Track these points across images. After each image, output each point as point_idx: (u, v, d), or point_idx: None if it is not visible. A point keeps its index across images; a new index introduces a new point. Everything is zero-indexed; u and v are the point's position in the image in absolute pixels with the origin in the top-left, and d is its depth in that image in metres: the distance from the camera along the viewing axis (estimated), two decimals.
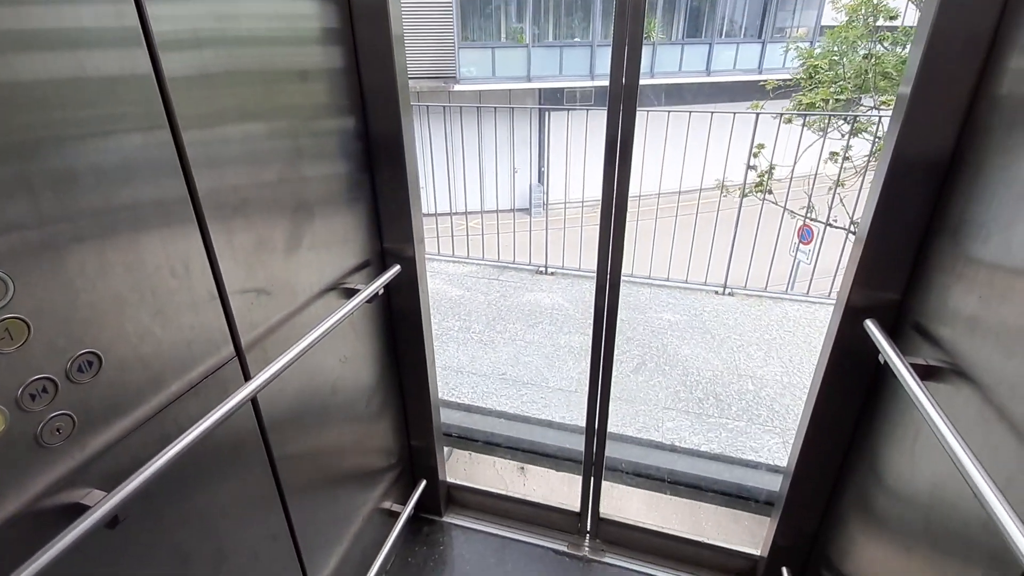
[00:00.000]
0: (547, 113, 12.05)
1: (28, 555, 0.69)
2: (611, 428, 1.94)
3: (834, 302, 1.41)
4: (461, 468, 2.36)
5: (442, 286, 5.09)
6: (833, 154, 6.07)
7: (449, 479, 2.21)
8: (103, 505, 0.78)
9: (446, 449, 2.32)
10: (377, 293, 1.53)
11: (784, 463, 1.88)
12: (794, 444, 1.61)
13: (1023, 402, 0.85)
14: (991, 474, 0.83)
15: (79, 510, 0.78)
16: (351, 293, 1.47)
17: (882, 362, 1.18)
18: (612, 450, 2.28)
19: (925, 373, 1.12)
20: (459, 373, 3.76)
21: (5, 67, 0.65)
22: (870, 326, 1.26)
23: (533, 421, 2.90)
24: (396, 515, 1.96)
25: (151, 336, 0.88)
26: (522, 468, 2.37)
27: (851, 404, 1.44)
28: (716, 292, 4.94)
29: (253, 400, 1.13)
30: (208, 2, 0.92)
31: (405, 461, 2.03)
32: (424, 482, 2.08)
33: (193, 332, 0.96)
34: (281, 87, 1.12)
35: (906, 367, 1.08)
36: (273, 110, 1.10)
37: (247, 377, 1.09)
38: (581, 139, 5.25)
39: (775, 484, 2.13)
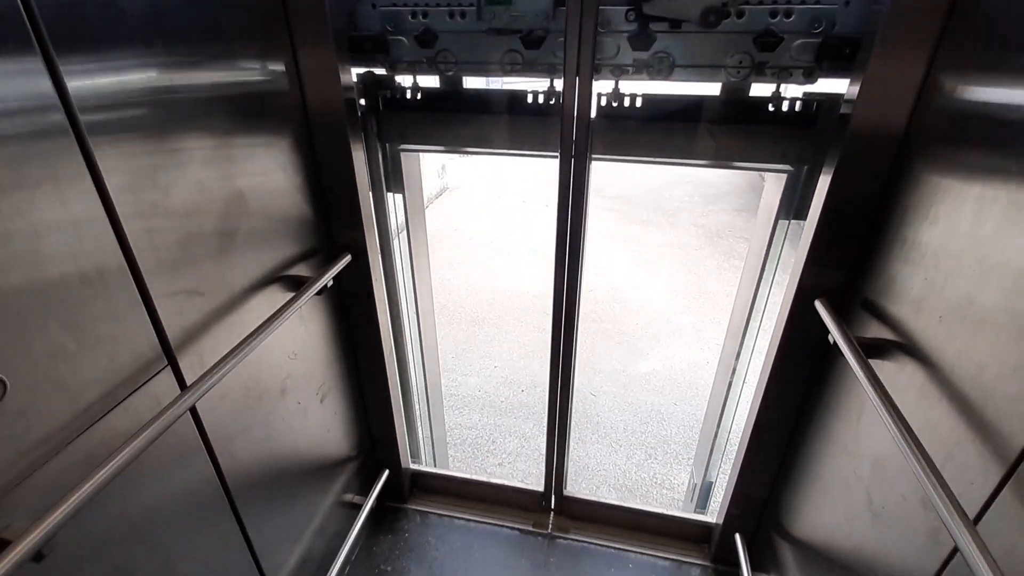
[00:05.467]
0: None
1: None
2: None
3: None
4: (425, 452, 2.34)
5: None
6: None
7: (413, 466, 2.19)
8: (25, 540, 0.72)
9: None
10: (327, 285, 1.45)
11: None
12: (747, 419, 1.65)
13: (961, 382, 0.88)
14: (930, 450, 0.86)
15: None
16: (298, 284, 1.39)
17: (831, 342, 1.20)
18: None
19: (871, 350, 1.15)
20: None
21: None
22: (819, 306, 1.28)
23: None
24: (359, 506, 1.93)
25: (64, 352, 0.80)
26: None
27: (801, 382, 1.48)
28: None
29: (192, 410, 1.06)
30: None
31: (366, 451, 1.99)
32: (387, 471, 2.06)
33: (115, 344, 0.88)
34: (201, 46, 1.02)
35: (852, 346, 1.10)
36: (189, 74, 1.00)
37: (183, 386, 1.02)
38: None
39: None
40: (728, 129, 1.40)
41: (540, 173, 9.22)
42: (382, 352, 1.78)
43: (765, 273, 1.64)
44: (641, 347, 4.52)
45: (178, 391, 1.01)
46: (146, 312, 0.93)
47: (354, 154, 1.44)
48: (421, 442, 2.34)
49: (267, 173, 1.24)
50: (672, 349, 4.50)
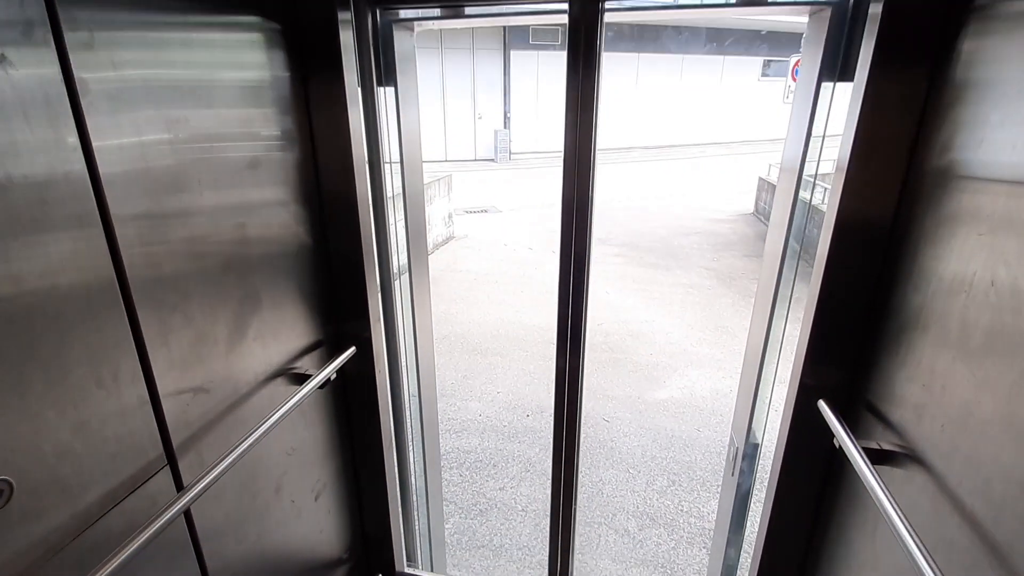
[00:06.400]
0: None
1: None
2: None
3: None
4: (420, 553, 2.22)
5: None
6: None
7: (408, 569, 2.07)
8: None
9: None
10: (330, 378, 1.47)
11: None
12: (759, 533, 1.57)
13: (972, 494, 0.86)
14: (947, 572, 0.83)
15: None
16: (301, 379, 1.41)
17: (837, 446, 1.18)
18: None
19: (879, 457, 1.13)
20: None
21: None
22: (823, 407, 1.27)
23: None
24: None
25: (71, 455, 0.80)
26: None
27: (812, 488, 1.43)
28: None
29: (186, 512, 1.04)
30: (154, 111, 0.91)
31: (359, 553, 1.89)
32: (379, 575, 1.95)
33: (120, 444, 0.88)
34: (231, 176, 1.10)
35: (859, 452, 1.08)
36: (221, 198, 1.08)
37: (179, 486, 1.01)
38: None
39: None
40: None
41: (547, 224, 9.48)
42: (381, 445, 1.75)
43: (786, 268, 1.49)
44: (657, 376, 4.41)
45: (175, 491, 1.00)
46: (152, 411, 0.94)
47: (363, 243, 1.48)
48: (418, 541, 2.22)
49: (279, 266, 1.30)
50: (690, 378, 4.38)
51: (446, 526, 2.67)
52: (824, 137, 1.38)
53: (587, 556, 2.69)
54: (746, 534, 1.86)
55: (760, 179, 10.22)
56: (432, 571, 2.19)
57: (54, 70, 0.76)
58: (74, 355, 0.79)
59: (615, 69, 17.85)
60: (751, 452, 1.73)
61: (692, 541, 2.76)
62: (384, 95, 1.57)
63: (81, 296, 0.80)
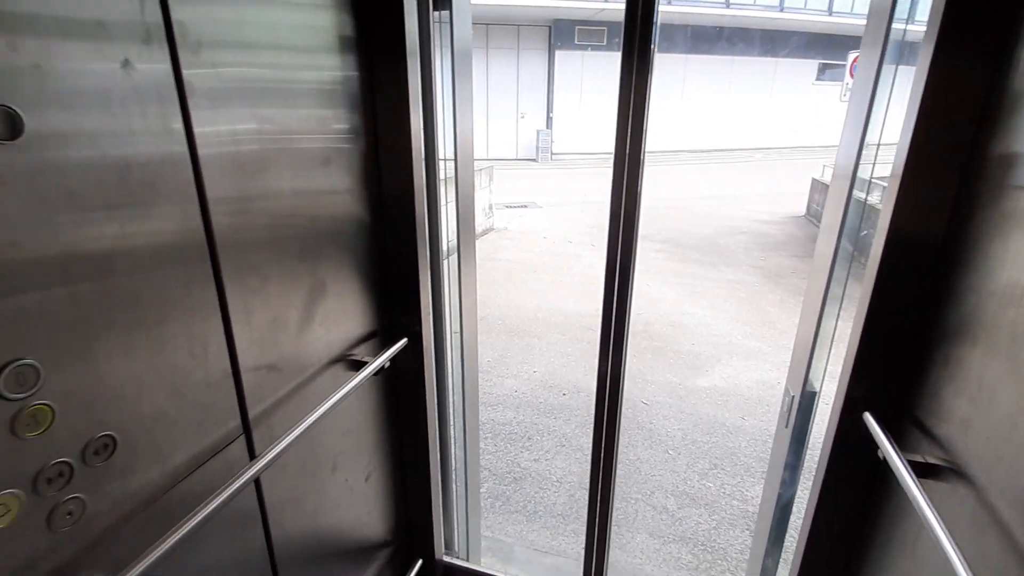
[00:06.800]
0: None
1: None
2: None
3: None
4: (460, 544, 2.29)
5: None
6: None
7: (446, 558, 2.15)
8: None
9: None
10: (383, 366, 1.55)
11: None
12: (799, 541, 1.57)
13: (1011, 507, 0.86)
14: None
15: None
16: (358, 365, 1.50)
17: (881, 458, 1.18)
18: None
19: (923, 470, 1.12)
20: None
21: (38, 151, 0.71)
22: (869, 419, 1.27)
23: None
24: None
25: (165, 417, 0.91)
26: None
27: (853, 500, 1.42)
28: None
29: (256, 480, 1.14)
30: (245, 107, 1.02)
31: (402, 538, 1.98)
32: (420, 561, 2.03)
33: (205, 411, 0.99)
34: (305, 171, 1.20)
35: (904, 465, 1.08)
36: (297, 190, 1.18)
37: (252, 454, 1.11)
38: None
39: None
40: None
41: (586, 219, 9.48)
42: (426, 434, 1.83)
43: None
44: (699, 364, 4.40)
45: (248, 459, 1.10)
46: (233, 383, 1.04)
47: (419, 243, 1.57)
48: (456, 531, 2.30)
49: (344, 258, 1.39)
50: (735, 368, 4.35)
51: (480, 490, 2.74)
52: (882, 132, 1.36)
53: (623, 530, 2.72)
54: (792, 510, 1.80)
55: (813, 180, 9.92)
56: (468, 561, 2.26)
57: (166, 68, 0.86)
58: (172, 326, 0.90)
59: (663, 72, 17.73)
60: (807, 402, 1.67)
61: (734, 523, 2.74)
62: (439, 23, 1.55)
63: (181, 271, 0.91)
